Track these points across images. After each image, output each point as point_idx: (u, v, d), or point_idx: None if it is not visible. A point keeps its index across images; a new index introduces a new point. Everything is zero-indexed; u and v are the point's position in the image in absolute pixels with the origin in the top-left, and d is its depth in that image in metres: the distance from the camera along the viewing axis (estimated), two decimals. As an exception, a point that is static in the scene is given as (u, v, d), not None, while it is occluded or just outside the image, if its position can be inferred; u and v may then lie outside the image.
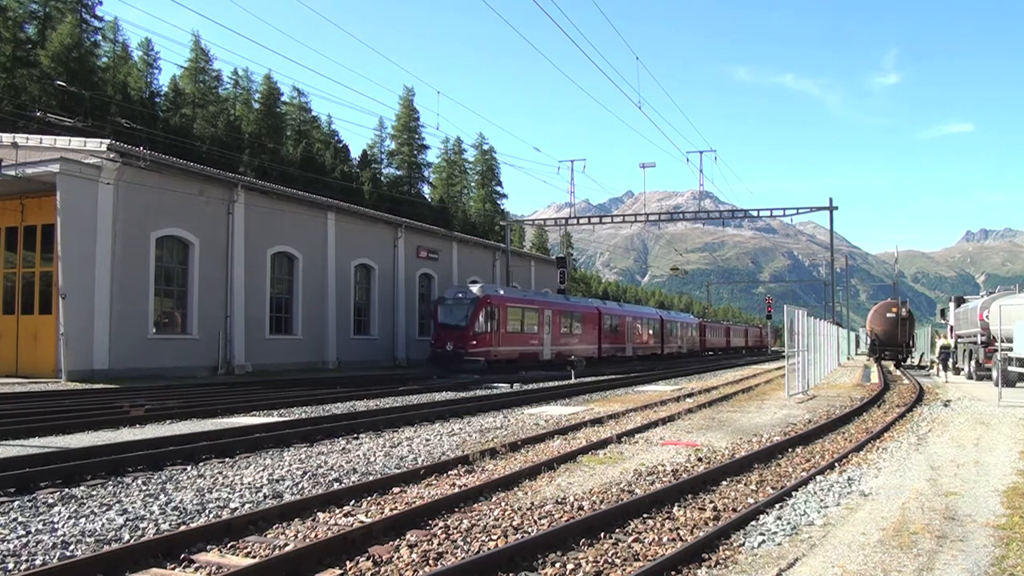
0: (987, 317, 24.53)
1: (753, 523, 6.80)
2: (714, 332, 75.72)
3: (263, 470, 9.38)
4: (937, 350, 34.64)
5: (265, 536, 6.47)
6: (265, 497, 7.95)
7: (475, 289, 32.69)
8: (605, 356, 43.31)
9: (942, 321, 40.76)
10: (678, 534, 6.57)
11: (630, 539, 6.38)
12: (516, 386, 24.32)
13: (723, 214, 49.81)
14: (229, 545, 6.17)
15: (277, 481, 8.71)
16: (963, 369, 29.75)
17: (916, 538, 6.12)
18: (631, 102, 29.76)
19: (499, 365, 32.15)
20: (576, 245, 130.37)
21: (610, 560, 5.79)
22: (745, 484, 8.79)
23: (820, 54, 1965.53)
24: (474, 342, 30.90)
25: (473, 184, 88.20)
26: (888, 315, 41.42)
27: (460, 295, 32.42)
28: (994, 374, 20.73)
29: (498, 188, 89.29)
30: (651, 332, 53.13)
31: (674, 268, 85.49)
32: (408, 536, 6.38)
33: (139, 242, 25.87)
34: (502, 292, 35.06)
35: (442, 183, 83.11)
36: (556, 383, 25.62)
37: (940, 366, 31.69)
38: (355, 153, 77.92)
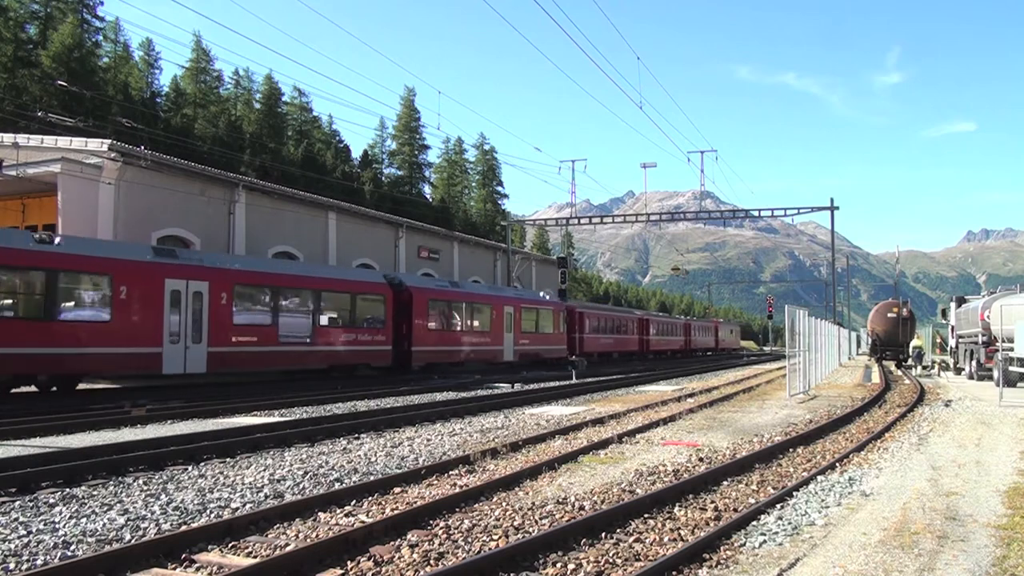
0: (988, 317, 24.53)
1: (754, 523, 6.80)
2: (607, 325, 48.53)
3: (264, 470, 9.39)
4: (910, 349, 37.64)
5: (266, 536, 6.48)
6: (266, 497, 7.95)
7: None
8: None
9: (943, 321, 40.85)
10: (679, 534, 6.56)
11: (631, 539, 6.38)
12: (517, 386, 24.31)
13: (724, 214, 49.81)
14: (230, 545, 6.18)
15: (278, 481, 8.72)
16: (964, 369, 29.77)
17: (917, 538, 6.11)
18: (632, 102, 29.78)
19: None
20: (577, 245, 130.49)
21: (611, 560, 5.79)
22: (746, 484, 8.79)
23: (822, 53, 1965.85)
24: None
25: (474, 184, 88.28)
26: (889, 315, 41.45)
27: None
28: (995, 374, 20.72)
29: (499, 188, 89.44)
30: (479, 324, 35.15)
31: (675, 268, 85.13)
32: (409, 536, 6.38)
33: (140, 242, 25.88)
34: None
35: (443, 183, 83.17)
36: (557, 383, 25.62)
37: (915, 363, 35.61)
38: (356, 153, 78.13)
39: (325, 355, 24.82)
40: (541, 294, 41.45)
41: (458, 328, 31.25)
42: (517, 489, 8.35)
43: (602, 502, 7.70)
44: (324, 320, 24.86)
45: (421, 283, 30.36)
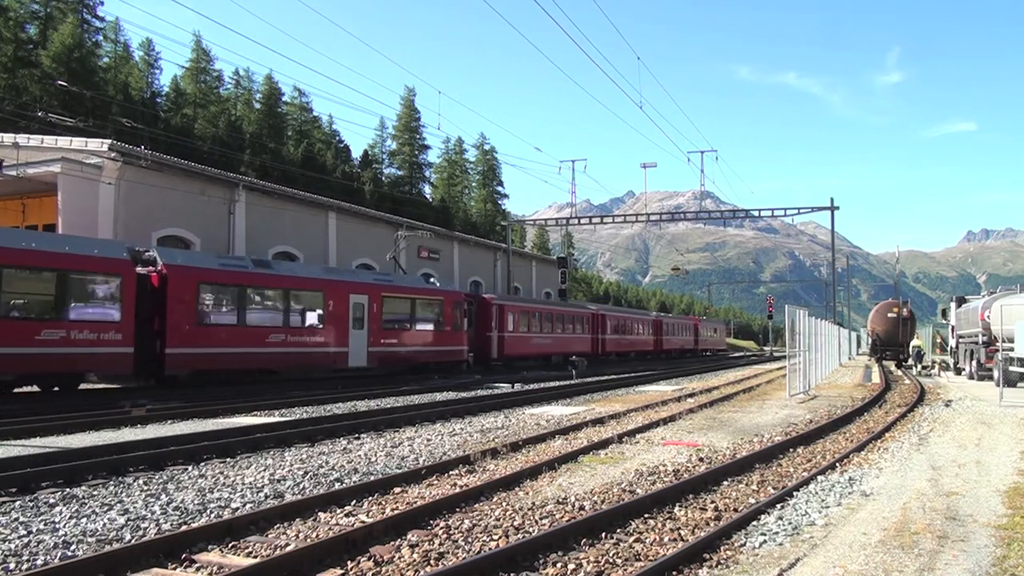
0: (988, 317, 24.52)
1: (754, 523, 6.80)
2: (543, 323, 39.60)
3: (264, 470, 9.39)
4: (910, 349, 38.14)
5: (266, 536, 6.47)
6: (266, 497, 7.95)
7: None
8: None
9: (943, 321, 40.91)
10: (679, 534, 6.56)
11: (631, 539, 6.38)
12: (517, 386, 24.32)
13: (724, 214, 49.84)
14: (230, 545, 6.18)
15: (278, 481, 8.71)
16: (964, 369, 29.77)
17: (917, 538, 6.11)
18: (632, 102, 29.83)
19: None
20: (577, 245, 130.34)
21: (611, 560, 5.79)
22: (746, 484, 8.79)
23: (822, 53, 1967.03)
24: None
25: (474, 184, 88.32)
26: (889, 315, 41.49)
27: None
28: (995, 374, 20.72)
29: (499, 188, 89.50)
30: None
31: (675, 268, 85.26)
32: (409, 536, 6.38)
33: (140, 242, 25.80)
34: None
35: (443, 183, 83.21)
36: (557, 383, 25.63)
37: (915, 362, 36.19)
38: (356, 153, 78.20)
39: (7, 361, 17.17)
40: (432, 281, 32.68)
41: (261, 323, 22.80)
42: (517, 489, 8.35)
43: (602, 502, 7.70)
44: (8, 311, 17.34)
45: (188, 259, 21.83)
